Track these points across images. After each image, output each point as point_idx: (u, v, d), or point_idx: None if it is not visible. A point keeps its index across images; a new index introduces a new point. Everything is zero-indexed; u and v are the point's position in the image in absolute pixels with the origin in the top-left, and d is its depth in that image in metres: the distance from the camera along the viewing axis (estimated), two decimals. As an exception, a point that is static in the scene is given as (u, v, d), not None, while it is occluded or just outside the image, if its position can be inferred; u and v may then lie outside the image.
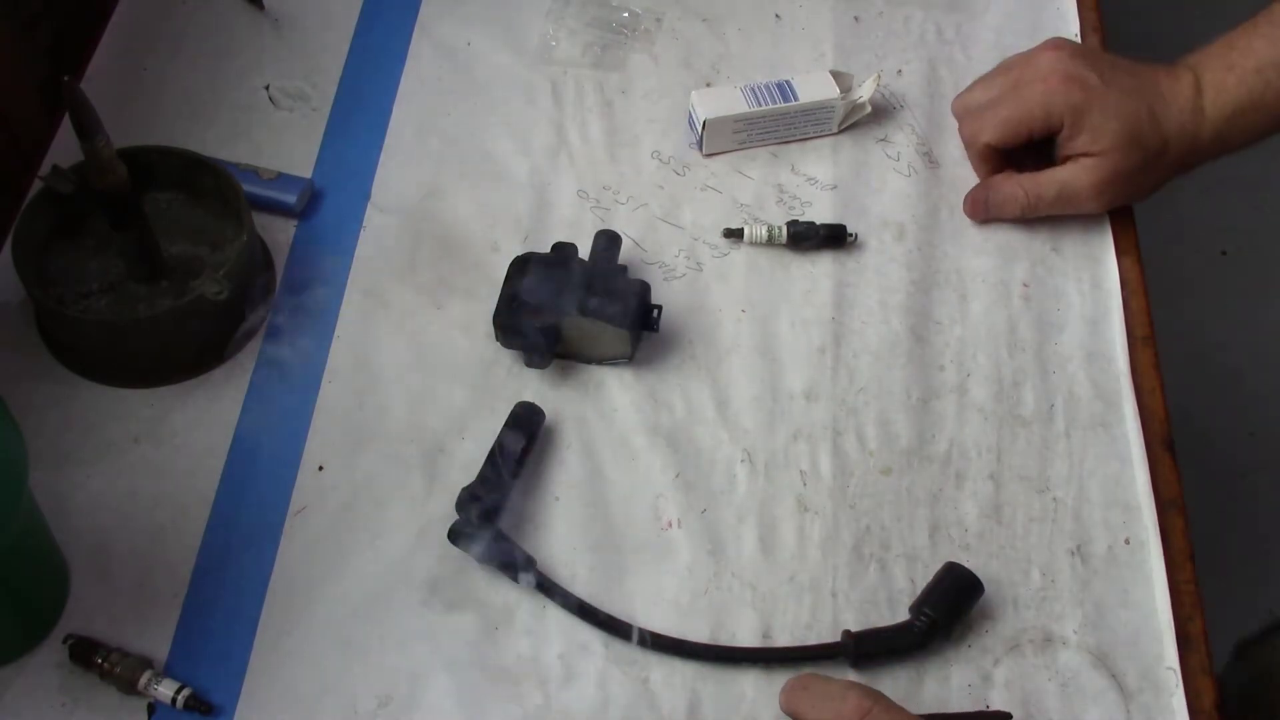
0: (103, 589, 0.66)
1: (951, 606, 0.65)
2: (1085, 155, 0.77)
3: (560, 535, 0.68)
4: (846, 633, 0.65)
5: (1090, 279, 0.79)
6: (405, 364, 0.74)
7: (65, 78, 0.64)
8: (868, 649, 0.64)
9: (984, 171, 0.81)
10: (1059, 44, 0.79)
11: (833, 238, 0.79)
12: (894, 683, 0.64)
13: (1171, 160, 0.77)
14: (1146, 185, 0.79)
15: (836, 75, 0.84)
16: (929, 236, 0.80)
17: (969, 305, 0.77)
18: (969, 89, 0.83)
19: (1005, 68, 0.81)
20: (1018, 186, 0.79)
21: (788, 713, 0.58)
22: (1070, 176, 0.78)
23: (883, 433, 0.72)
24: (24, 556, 0.61)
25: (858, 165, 0.84)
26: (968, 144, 0.82)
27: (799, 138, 0.84)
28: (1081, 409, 0.73)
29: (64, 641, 0.63)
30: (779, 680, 0.64)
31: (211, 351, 0.73)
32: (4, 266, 0.73)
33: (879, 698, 0.55)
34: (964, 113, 0.82)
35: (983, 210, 0.80)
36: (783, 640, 0.65)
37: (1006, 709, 0.63)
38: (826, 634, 0.65)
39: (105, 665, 0.62)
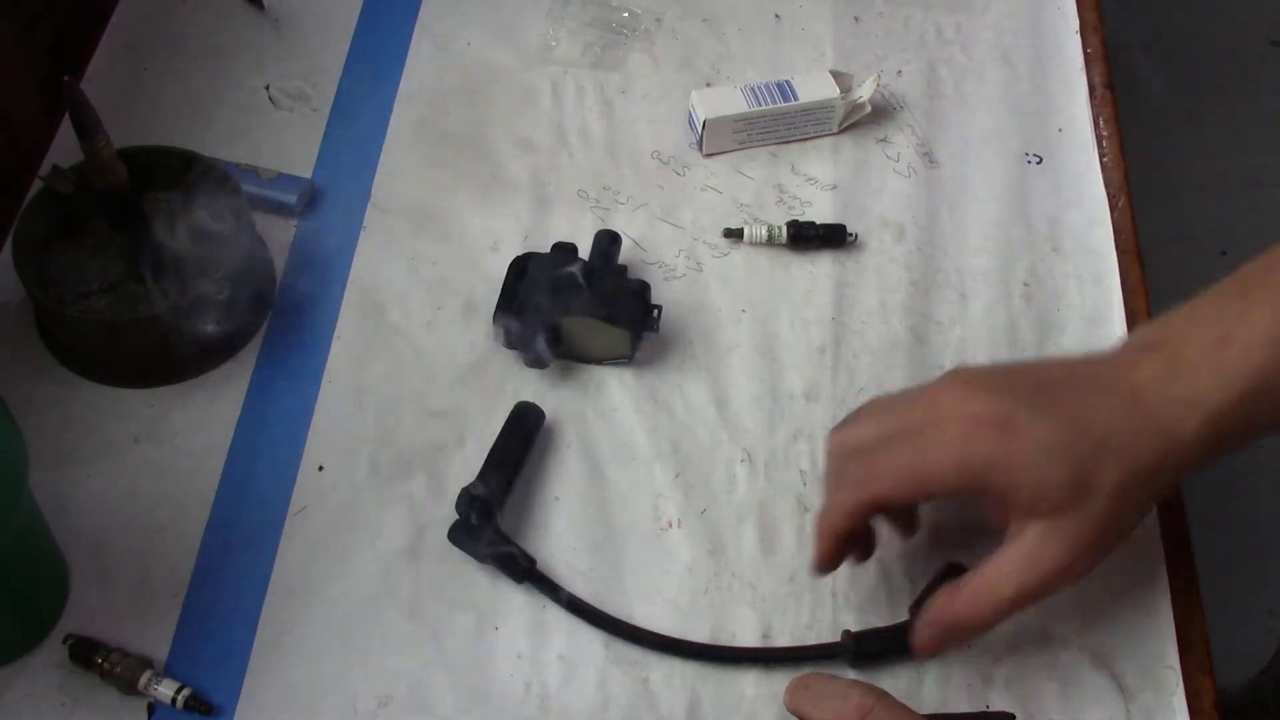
0: (103, 589, 0.66)
1: None
2: (1031, 518, 0.57)
3: (560, 535, 0.68)
4: (846, 633, 0.65)
5: (1090, 278, 0.79)
6: (405, 364, 0.74)
7: (65, 78, 0.64)
8: (868, 649, 0.64)
9: (844, 526, 0.60)
10: (964, 375, 0.61)
11: (833, 238, 0.79)
12: (894, 681, 0.64)
13: (1160, 483, 0.58)
14: (1132, 519, 0.60)
15: (836, 75, 0.84)
16: (929, 236, 0.80)
17: (969, 305, 0.77)
18: (852, 420, 0.62)
19: (903, 400, 0.62)
20: (965, 612, 0.59)
21: (792, 711, 0.57)
22: (1025, 567, 0.57)
23: (883, 433, 0.72)
24: (24, 556, 0.61)
25: (858, 165, 0.84)
26: (848, 487, 0.60)
27: (799, 138, 0.84)
28: (1081, 409, 0.73)
29: (64, 641, 0.63)
30: (779, 680, 0.64)
31: (211, 351, 0.73)
32: (4, 266, 0.73)
33: (881, 695, 0.55)
34: (846, 453, 0.61)
35: (939, 650, 0.62)
36: (783, 640, 0.65)
37: (1006, 709, 0.63)
38: (826, 634, 0.65)
39: (105, 665, 0.62)
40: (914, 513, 0.66)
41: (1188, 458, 0.57)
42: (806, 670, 0.61)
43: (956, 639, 0.61)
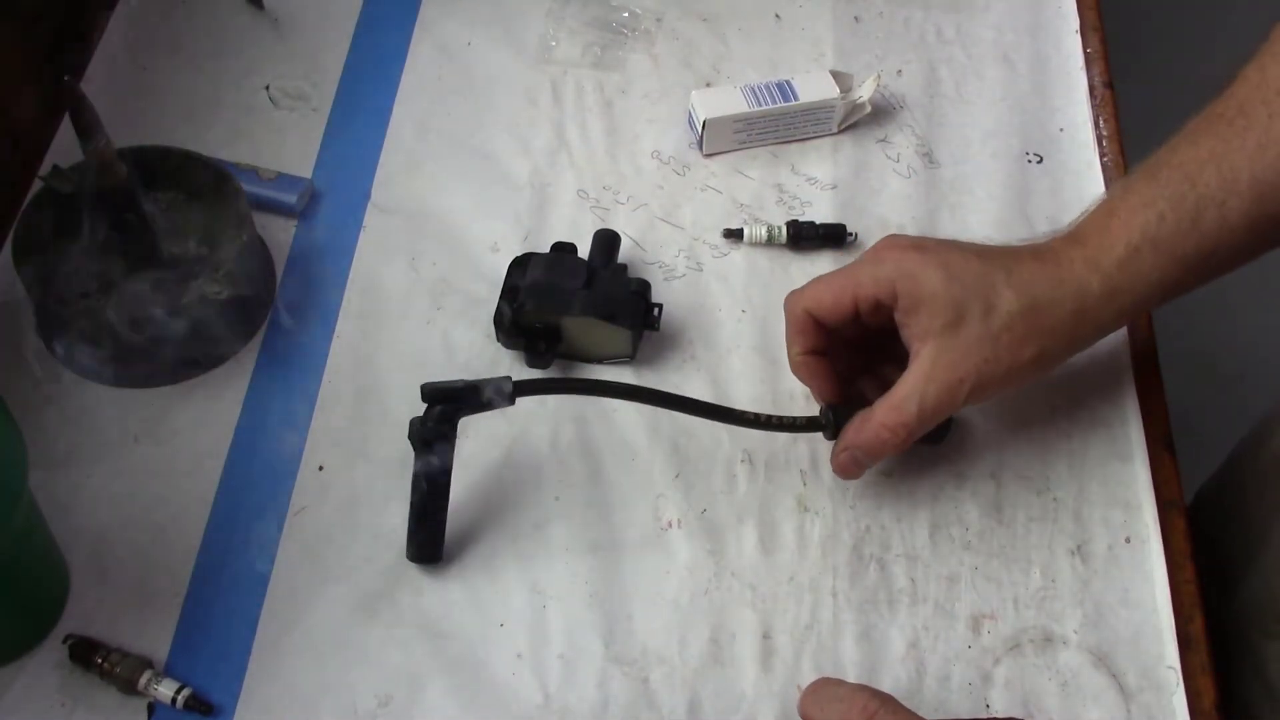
0: (103, 589, 0.66)
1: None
2: (927, 338, 0.63)
3: (560, 535, 0.68)
4: (826, 405, 0.68)
5: (1090, 279, 0.79)
6: (405, 364, 0.74)
7: (65, 78, 0.64)
8: (844, 420, 0.66)
9: (796, 348, 0.67)
10: (895, 235, 0.68)
11: (833, 238, 0.79)
12: (894, 682, 0.64)
13: (1059, 324, 0.64)
14: (1031, 354, 0.64)
15: (836, 75, 0.84)
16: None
17: (969, 305, 0.77)
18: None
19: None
20: (877, 427, 0.64)
21: (802, 716, 0.58)
22: (923, 376, 0.63)
23: (883, 433, 0.72)
24: (24, 556, 0.61)
25: (858, 165, 0.84)
26: (787, 315, 0.68)
27: (799, 138, 0.84)
28: (1081, 408, 0.73)
29: (64, 641, 0.63)
30: (779, 680, 0.64)
31: (211, 351, 0.73)
32: (4, 266, 0.73)
33: (886, 700, 0.55)
34: (789, 295, 0.69)
35: (858, 471, 0.68)
36: (783, 641, 0.65)
37: (1006, 708, 0.63)
38: (826, 634, 0.65)
39: (105, 665, 0.62)
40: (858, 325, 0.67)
41: (1089, 307, 0.64)
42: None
43: (871, 459, 0.67)
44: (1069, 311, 0.64)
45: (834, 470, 0.68)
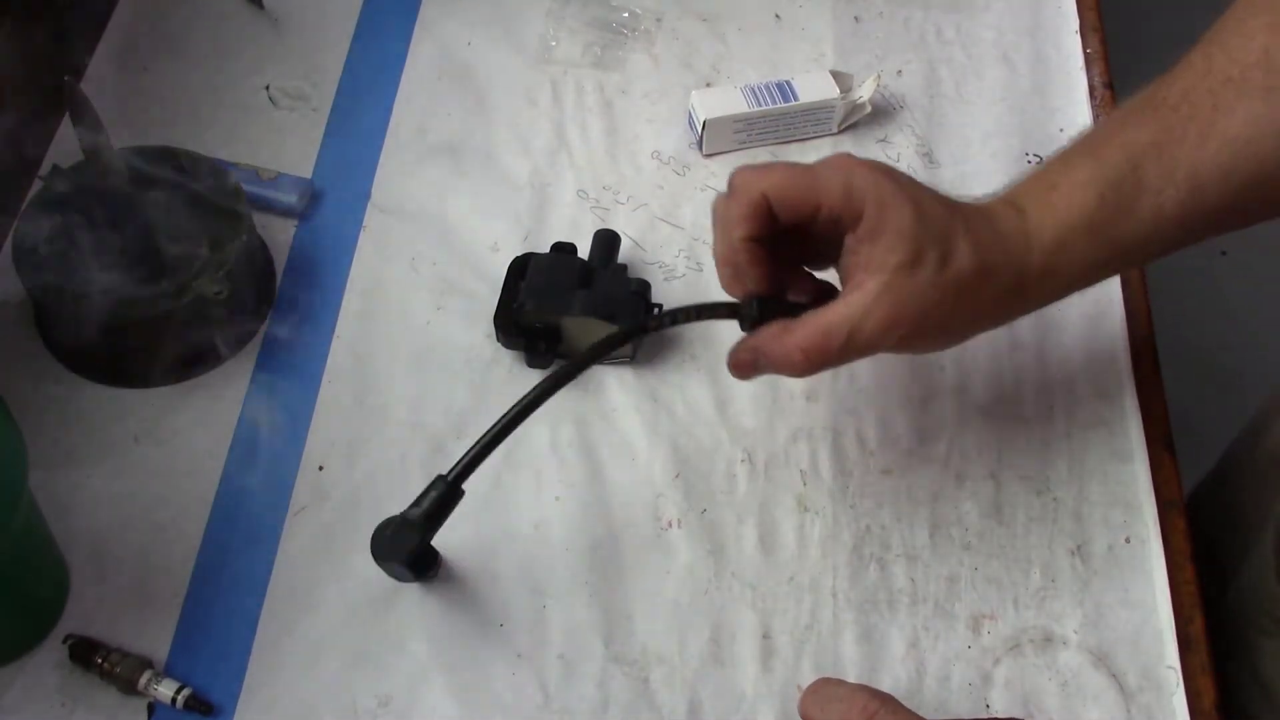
0: (103, 589, 0.66)
1: None
2: (880, 272, 0.59)
3: (560, 535, 0.68)
4: (749, 295, 0.62)
5: (1090, 279, 0.79)
6: (405, 364, 0.74)
7: (65, 78, 0.64)
8: (768, 315, 0.62)
9: (739, 232, 0.61)
10: (860, 158, 0.63)
11: (833, 238, 0.79)
12: (894, 682, 0.64)
13: (1000, 293, 0.62)
14: (969, 316, 0.63)
15: (836, 75, 0.84)
16: (929, 236, 0.80)
17: (969, 305, 0.77)
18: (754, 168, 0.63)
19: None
20: (794, 347, 0.60)
21: (803, 717, 0.58)
22: (861, 309, 0.59)
23: (883, 433, 0.72)
24: (24, 556, 0.61)
25: (858, 165, 0.83)
26: (735, 193, 0.61)
27: (799, 138, 0.84)
28: (1082, 408, 0.73)
29: (64, 641, 0.63)
30: (779, 680, 0.64)
31: (211, 351, 0.73)
32: (4, 266, 0.73)
33: (886, 700, 0.55)
34: (741, 170, 0.62)
35: (753, 377, 0.64)
36: (783, 641, 0.65)
37: (1006, 708, 0.63)
38: (826, 634, 0.65)
39: (105, 665, 0.62)
40: (809, 237, 0.63)
41: (1026, 284, 0.62)
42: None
43: (773, 372, 0.62)
44: (1009, 281, 0.62)
45: (729, 365, 0.63)
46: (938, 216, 0.60)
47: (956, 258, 0.60)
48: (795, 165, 0.62)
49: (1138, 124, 0.63)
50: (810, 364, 0.60)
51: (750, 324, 0.62)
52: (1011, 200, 0.63)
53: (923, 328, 0.61)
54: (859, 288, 0.60)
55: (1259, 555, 0.78)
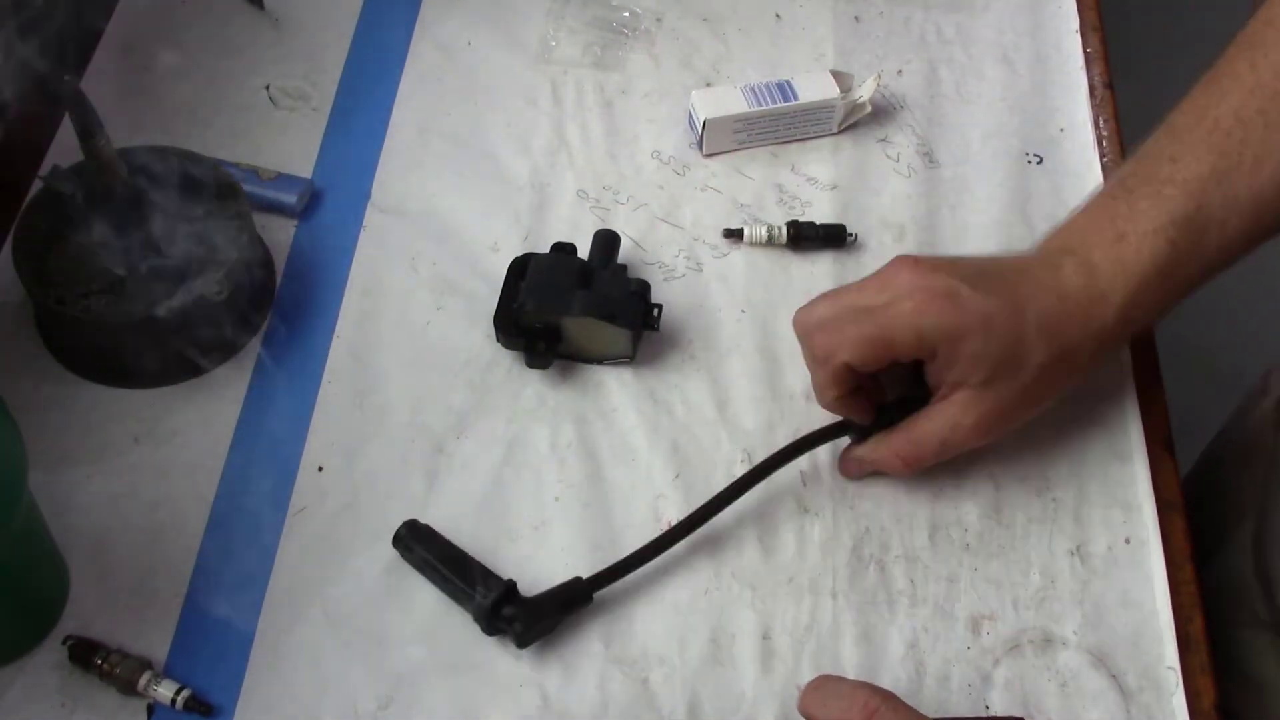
0: (103, 589, 0.65)
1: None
2: (961, 389, 0.64)
3: (560, 535, 0.68)
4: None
5: (1090, 279, 0.79)
6: (405, 364, 0.74)
7: (65, 78, 0.64)
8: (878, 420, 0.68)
9: (833, 393, 0.66)
10: (910, 259, 0.65)
11: (833, 238, 0.79)
12: (894, 681, 0.64)
13: (1083, 363, 0.66)
14: (1050, 394, 0.66)
15: (836, 75, 0.84)
16: (929, 237, 0.80)
17: (969, 305, 0.77)
18: (814, 303, 0.67)
19: (857, 286, 0.66)
20: (892, 457, 0.67)
21: (802, 713, 0.58)
22: (950, 422, 0.65)
23: (883, 433, 0.72)
24: (24, 556, 0.61)
25: (858, 165, 0.84)
26: (819, 361, 0.65)
27: (799, 138, 0.84)
28: (1081, 408, 0.73)
29: (63, 642, 0.63)
30: (779, 681, 0.64)
31: (211, 351, 0.73)
32: (4, 266, 0.73)
33: (888, 697, 0.55)
34: (812, 327, 0.66)
35: (859, 475, 0.70)
36: (783, 641, 0.65)
37: (1006, 709, 0.63)
38: (826, 635, 0.65)
39: (105, 666, 0.62)
40: (878, 383, 0.69)
41: (1104, 341, 0.65)
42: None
43: (876, 473, 0.69)
44: (1091, 351, 0.65)
45: (839, 466, 0.70)
46: (1008, 330, 0.63)
47: (1031, 359, 0.63)
48: (863, 321, 0.64)
49: (1194, 154, 0.64)
50: (909, 469, 0.67)
51: (858, 436, 0.69)
52: (1079, 254, 0.65)
53: (1010, 421, 0.66)
54: (944, 399, 0.65)
55: (1235, 548, 0.77)
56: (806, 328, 0.66)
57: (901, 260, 0.65)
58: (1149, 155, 0.67)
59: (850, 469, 0.70)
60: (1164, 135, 0.67)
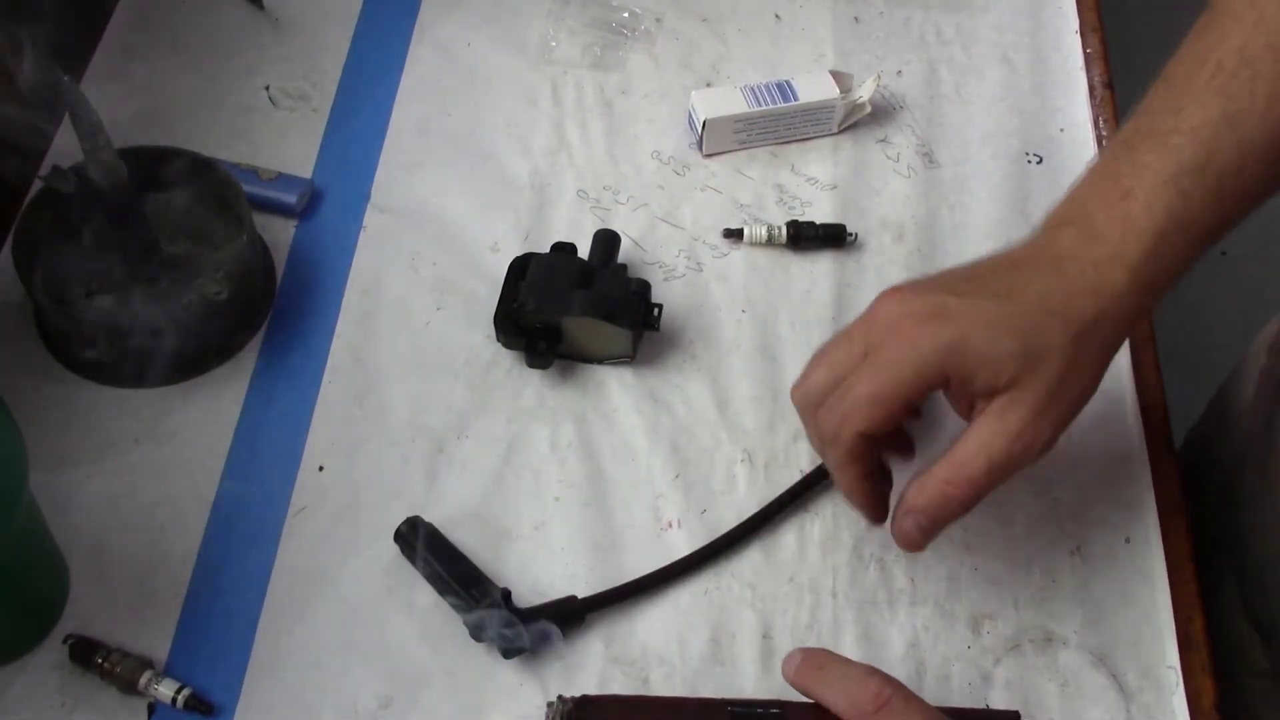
0: (103, 589, 0.66)
1: None
2: (993, 395, 0.57)
3: (560, 535, 0.68)
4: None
5: (1090, 279, 0.79)
6: (405, 364, 0.74)
7: (65, 78, 0.64)
8: None
9: (855, 472, 0.60)
10: (890, 290, 0.60)
11: (833, 238, 0.79)
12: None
13: (1109, 333, 0.59)
14: (1089, 380, 0.59)
15: (836, 75, 0.84)
16: (929, 236, 0.80)
17: (969, 305, 0.77)
18: (807, 373, 0.61)
19: (843, 335, 0.61)
20: (939, 491, 0.58)
21: (795, 686, 0.56)
22: (991, 438, 0.57)
23: (883, 433, 0.72)
24: (24, 556, 0.61)
25: (858, 165, 0.84)
26: (830, 441, 0.60)
27: (799, 138, 0.84)
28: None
29: (64, 641, 0.63)
30: (779, 680, 0.64)
31: (211, 351, 0.73)
32: (4, 266, 0.73)
33: (899, 688, 0.53)
34: (811, 402, 0.60)
35: (922, 538, 0.60)
36: (783, 641, 0.65)
37: (1007, 707, 0.63)
38: (826, 634, 0.65)
39: (105, 665, 0.62)
40: (904, 434, 0.65)
41: (1124, 310, 0.58)
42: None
43: (936, 523, 0.59)
44: (1113, 320, 0.58)
45: (898, 542, 0.60)
46: (1011, 322, 0.57)
47: (1050, 342, 0.57)
48: (868, 378, 0.58)
49: (1198, 101, 0.59)
50: (964, 495, 0.58)
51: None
52: (1082, 221, 0.59)
53: (1054, 419, 0.58)
54: (979, 413, 0.58)
55: (1223, 593, 0.76)
56: (807, 405, 0.61)
57: (884, 295, 0.60)
58: (1149, 110, 0.61)
59: (909, 531, 0.59)
60: (1162, 88, 0.61)
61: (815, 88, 0.83)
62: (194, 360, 0.73)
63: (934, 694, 0.64)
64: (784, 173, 0.83)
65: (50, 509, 0.64)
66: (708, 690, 0.64)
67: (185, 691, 0.62)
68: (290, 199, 0.79)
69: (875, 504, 0.62)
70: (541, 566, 0.67)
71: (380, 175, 0.82)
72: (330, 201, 0.81)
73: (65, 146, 0.80)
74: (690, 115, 0.84)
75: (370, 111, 0.85)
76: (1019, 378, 0.57)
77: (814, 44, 0.90)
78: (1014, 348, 0.57)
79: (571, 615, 0.65)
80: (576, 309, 0.71)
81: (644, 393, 0.73)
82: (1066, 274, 0.58)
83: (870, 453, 0.60)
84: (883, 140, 0.85)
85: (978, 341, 0.57)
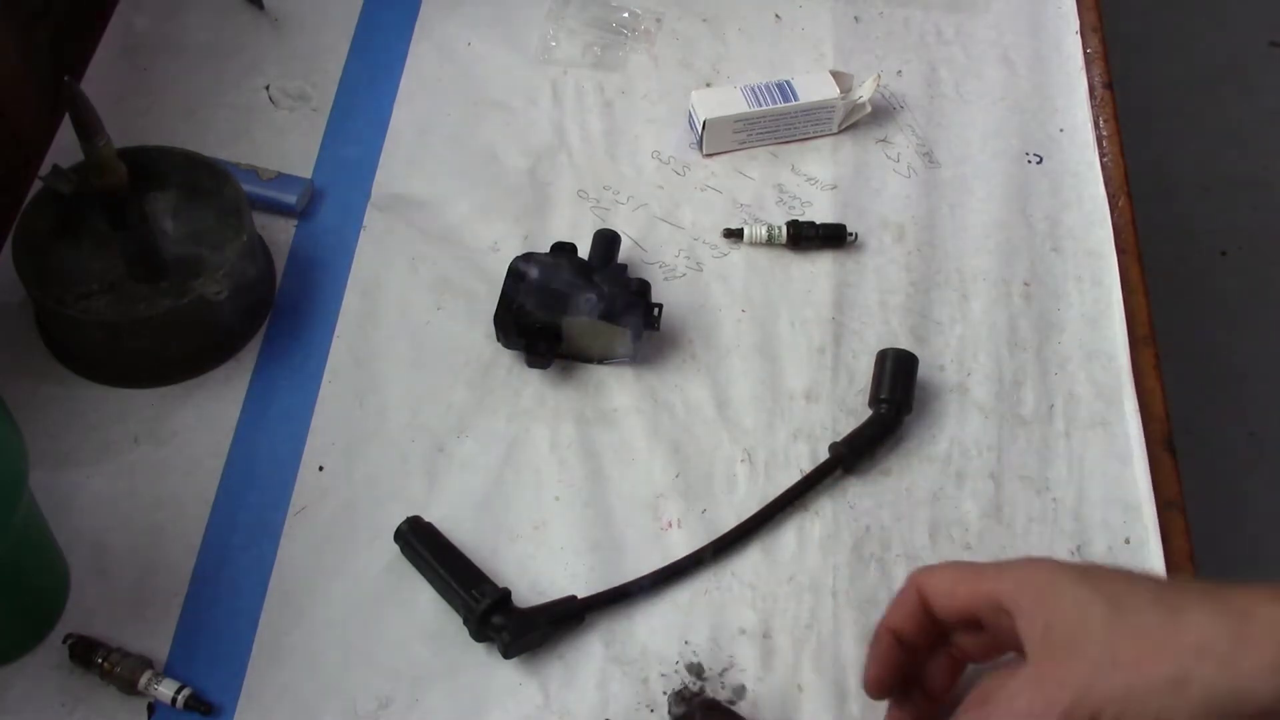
0: (103, 589, 0.66)
1: (903, 384, 0.71)
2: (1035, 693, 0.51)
3: (560, 535, 0.68)
4: (834, 445, 0.70)
5: (1090, 278, 0.79)
6: (405, 364, 0.74)
7: (65, 78, 0.64)
8: (858, 448, 0.70)
9: (872, 672, 0.58)
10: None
11: (833, 238, 0.79)
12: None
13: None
14: None
15: (836, 75, 0.84)
16: (929, 236, 0.80)
17: (969, 305, 0.77)
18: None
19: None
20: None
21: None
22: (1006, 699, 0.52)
23: (883, 433, 0.72)
24: (24, 556, 0.61)
25: (858, 165, 0.84)
26: (905, 588, 0.58)
27: (799, 138, 0.84)
28: (1081, 409, 0.73)
29: (64, 641, 0.63)
30: (779, 680, 0.64)
31: (211, 351, 0.73)
32: (4, 266, 0.73)
33: None
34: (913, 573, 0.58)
35: None
36: (783, 640, 0.65)
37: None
38: (826, 634, 0.65)
39: (105, 665, 0.62)
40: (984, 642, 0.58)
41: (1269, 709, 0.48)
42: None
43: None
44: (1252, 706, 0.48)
45: None
46: (1136, 662, 0.49)
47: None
48: (961, 567, 0.56)
49: None
50: None
51: (848, 466, 0.70)
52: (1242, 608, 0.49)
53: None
54: (1000, 684, 0.53)
55: None
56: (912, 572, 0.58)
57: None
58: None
59: None
60: None
61: (815, 88, 0.83)
62: (194, 360, 0.73)
63: (934, 694, 0.64)
64: (784, 173, 0.83)
65: (50, 509, 0.64)
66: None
67: (185, 691, 0.62)
68: (290, 199, 0.79)
69: (882, 671, 0.58)
70: (541, 566, 0.67)
71: (380, 175, 0.82)
72: (330, 201, 0.81)
73: (65, 146, 0.80)
74: (690, 115, 0.84)
75: (370, 111, 0.85)
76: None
77: (814, 44, 0.90)
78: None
79: (571, 615, 0.65)
80: (577, 309, 0.71)
81: (644, 393, 0.73)
82: (1246, 625, 0.48)
83: (917, 616, 0.57)
84: (883, 140, 0.85)
85: (1091, 645, 0.50)
